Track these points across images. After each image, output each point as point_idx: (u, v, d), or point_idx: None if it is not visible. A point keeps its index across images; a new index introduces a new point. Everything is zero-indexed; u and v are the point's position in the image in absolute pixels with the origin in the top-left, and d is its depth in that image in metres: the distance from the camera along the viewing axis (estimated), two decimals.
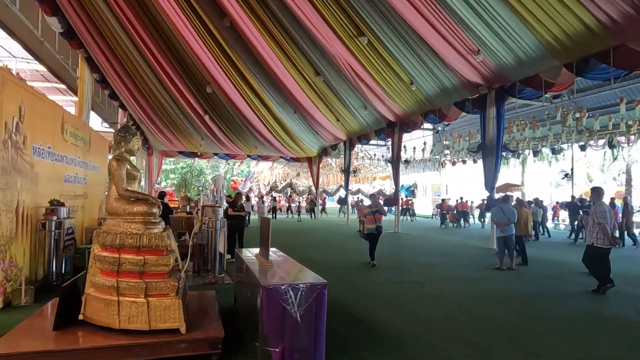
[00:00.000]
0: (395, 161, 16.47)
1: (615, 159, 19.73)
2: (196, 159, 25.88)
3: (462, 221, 21.67)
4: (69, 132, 7.50)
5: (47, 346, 3.23)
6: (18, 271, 5.44)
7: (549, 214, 21.43)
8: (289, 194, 31.85)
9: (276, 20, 7.77)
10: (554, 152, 20.34)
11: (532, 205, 14.60)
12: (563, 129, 16.72)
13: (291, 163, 27.66)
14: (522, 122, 17.36)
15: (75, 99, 13.84)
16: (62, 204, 6.36)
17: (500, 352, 3.97)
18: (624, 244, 12.49)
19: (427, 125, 18.10)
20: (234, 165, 36.63)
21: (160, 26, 7.75)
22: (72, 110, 10.14)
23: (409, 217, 25.23)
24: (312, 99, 11.84)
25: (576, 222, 14.23)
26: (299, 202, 30.70)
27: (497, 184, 23.14)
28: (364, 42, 8.14)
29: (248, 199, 16.98)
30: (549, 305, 5.81)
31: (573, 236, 14.38)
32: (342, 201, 28.03)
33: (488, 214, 19.83)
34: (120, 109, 12.73)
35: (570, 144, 19.89)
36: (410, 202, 26.16)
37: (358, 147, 25.69)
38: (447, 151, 25.74)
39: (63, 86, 13.54)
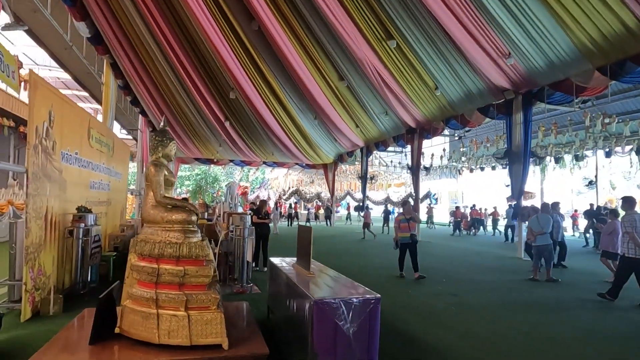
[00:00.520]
0: (415, 168, 16.20)
1: None
2: (212, 165, 25.88)
3: (476, 229, 21.52)
4: (94, 137, 7.42)
5: None
6: (46, 279, 5.31)
7: (568, 222, 21.00)
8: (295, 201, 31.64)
9: (304, 23, 7.65)
10: (577, 158, 19.82)
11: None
12: (589, 134, 16.29)
13: (306, 170, 27.54)
14: (543, 128, 17.01)
15: (96, 106, 13.92)
16: (90, 211, 6.26)
17: None
18: None
19: (443, 132, 17.87)
20: (249, 172, 36.61)
21: (187, 30, 7.68)
22: None
23: (428, 225, 24.92)
24: (334, 104, 11.69)
25: (591, 230, 14.13)
26: (310, 209, 30.51)
27: (508, 194, 22.82)
28: (392, 45, 7.96)
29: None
30: (595, 318, 5.49)
31: (585, 243, 14.31)
32: (360, 208, 27.76)
33: (502, 222, 19.68)
34: (140, 116, 12.73)
35: (594, 151, 19.38)
36: (430, 209, 25.85)
37: (373, 154, 25.48)
38: (463, 158, 25.45)
39: (85, 94, 13.61)
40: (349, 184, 41.06)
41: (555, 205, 10.25)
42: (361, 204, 25.67)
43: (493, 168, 23.74)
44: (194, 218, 3.65)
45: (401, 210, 8.58)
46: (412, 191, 30.96)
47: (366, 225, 17.49)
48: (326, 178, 25.60)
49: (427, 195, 24.96)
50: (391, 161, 27.78)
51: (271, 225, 20.40)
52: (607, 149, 17.83)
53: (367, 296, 3.12)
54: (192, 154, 19.57)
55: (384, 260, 11.03)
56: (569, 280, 8.18)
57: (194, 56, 8.66)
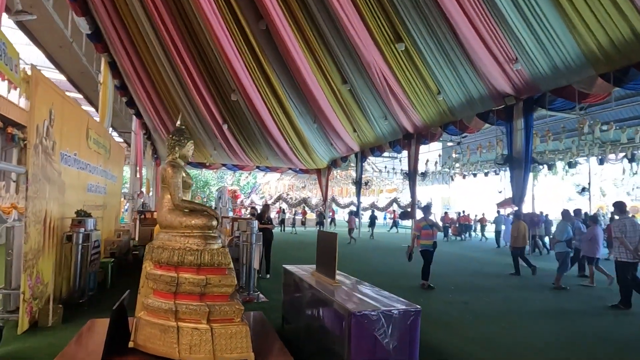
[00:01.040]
0: (412, 174, 16.10)
1: (635, 173, 19.40)
2: (203, 169, 25.48)
3: (464, 234, 22.06)
4: (92, 139, 7.11)
5: None
6: (44, 288, 4.99)
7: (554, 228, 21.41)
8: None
9: (313, 24, 7.49)
10: (570, 165, 19.99)
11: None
12: (582, 141, 16.43)
13: (299, 175, 27.31)
14: (539, 135, 17.13)
15: (89, 109, 13.54)
16: (89, 215, 5.94)
17: None
18: None
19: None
20: (240, 176, 36.21)
21: (192, 29, 7.43)
22: None
23: None
24: (334, 107, 11.53)
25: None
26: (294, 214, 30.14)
27: (499, 200, 23.04)
28: (400, 48, 7.85)
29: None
30: (614, 325, 5.38)
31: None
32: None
33: (490, 228, 19.97)
34: (135, 117, 12.39)
35: (587, 158, 19.59)
36: None
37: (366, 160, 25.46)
38: (457, 164, 25.57)
39: (77, 95, 13.20)
40: (341, 189, 41.00)
41: (578, 212, 10.17)
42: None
43: (486, 174, 23.89)
44: (214, 223, 3.42)
45: (420, 216, 8.20)
46: (400, 197, 31.02)
47: (350, 230, 18.79)
48: (319, 183, 25.38)
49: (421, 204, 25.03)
50: (385, 167, 27.70)
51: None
52: (601, 157, 18.03)
53: (407, 308, 2.92)
54: None
55: (380, 264, 10.91)
56: (578, 287, 8.14)
57: (197, 56, 8.42)
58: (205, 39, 7.84)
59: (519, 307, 6.41)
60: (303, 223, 30.05)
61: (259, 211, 10.81)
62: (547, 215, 18.59)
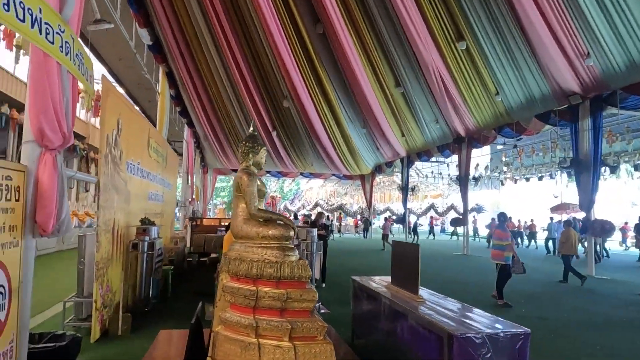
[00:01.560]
0: (463, 178, 15.48)
1: None
2: None
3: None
4: (153, 147, 7.24)
5: None
6: (112, 296, 5.03)
7: (618, 235, 20.02)
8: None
9: (371, 26, 7.31)
10: (637, 168, 18.53)
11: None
12: None
13: (343, 181, 27.12)
14: (610, 135, 16.11)
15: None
16: (153, 223, 5.99)
17: None
18: None
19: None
20: (284, 183, 36.55)
21: (250, 34, 7.45)
22: None
23: (474, 237, 24.28)
24: (385, 112, 11.26)
25: None
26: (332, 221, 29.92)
27: (553, 204, 21.71)
28: (461, 47, 7.49)
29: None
30: None
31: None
32: (401, 220, 27.17)
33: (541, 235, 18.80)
34: (186, 126, 12.69)
35: None
36: (475, 221, 25.14)
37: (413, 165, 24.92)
38: (505, 168, 24.48)
39: (135, 107, 13.79)
40: (383, 195, 40.40)
41: None
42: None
43: (540, 179, 22.67)
44: (291, 233, 3.24)
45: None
46: (449, 203, 30.06)
47: (385, 236, 18.19)
48: (363, 189, 25.07)
49: (477, 209, 24.14)
50: (432, 172, 26.93)
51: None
52: None
53: (515, 330, 2.60)
54: (231, 164, 19.49)
55: (433, 273, 10.36)
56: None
57: (252, 63, 8.45)
58: (261, 44, 7.84)
59: (606, 324, 5.83)
60: (339, 230, 29.85)
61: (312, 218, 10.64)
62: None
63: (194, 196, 15.29)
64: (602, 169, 17.87)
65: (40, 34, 2.82)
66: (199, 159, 18.90)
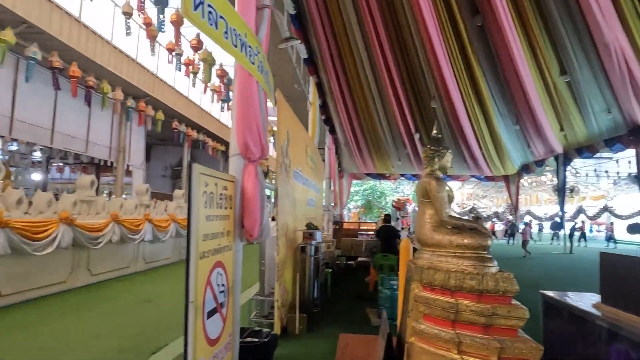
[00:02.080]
0: None
1: None
2: (382, 180, 25.82)
3: None
4: (309, 156, 7.63)
5: None
6: (287, 296, 5.38)
7: None
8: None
9: (538, 10, 6.57)
10: None
11: None
12: None
13: (484, 183, 25.25)
14: None
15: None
16: (317, 228, 6.28)
17: None
18: None
19: None
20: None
21: (402, 32, 7.36)
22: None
23: None
24: (544, 104, 9.99)
25: None
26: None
27: None
28: None
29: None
30: None
31: None
32: (557, 226, 24.19)
33: None
34: (328, 133, 13.22)
35: None
36: None
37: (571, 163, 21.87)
38: None
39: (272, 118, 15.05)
40: (528, 198, 36.40)
41: None
42: (559, 221, 22.38)
43: None
44: (489, 242, 2.98)
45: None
46: (613, 205, 25.53)
47: (524, 242, 17.62)
48: (508, 191, 22.84)
49: None
50: (594, 170, 23.28)
51: None
52: None
53: None
54: (367, 169, 19.64)
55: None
56: None
57: (402, 62, 8.33)
58: (413, 44, 7.67)
59: None
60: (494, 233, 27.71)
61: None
62: None
63: (336, 201, 15.85)
64: None
65: (246, 56, 3.10)
66: (336, 165, 19.56)
